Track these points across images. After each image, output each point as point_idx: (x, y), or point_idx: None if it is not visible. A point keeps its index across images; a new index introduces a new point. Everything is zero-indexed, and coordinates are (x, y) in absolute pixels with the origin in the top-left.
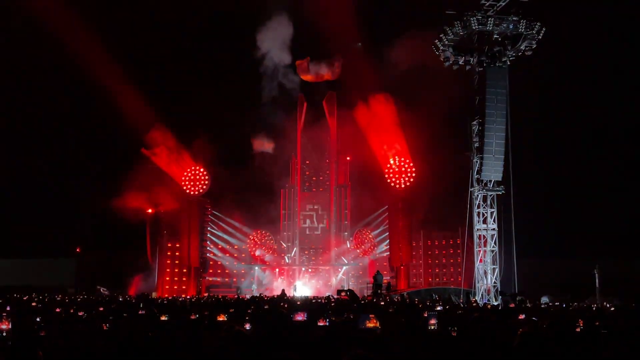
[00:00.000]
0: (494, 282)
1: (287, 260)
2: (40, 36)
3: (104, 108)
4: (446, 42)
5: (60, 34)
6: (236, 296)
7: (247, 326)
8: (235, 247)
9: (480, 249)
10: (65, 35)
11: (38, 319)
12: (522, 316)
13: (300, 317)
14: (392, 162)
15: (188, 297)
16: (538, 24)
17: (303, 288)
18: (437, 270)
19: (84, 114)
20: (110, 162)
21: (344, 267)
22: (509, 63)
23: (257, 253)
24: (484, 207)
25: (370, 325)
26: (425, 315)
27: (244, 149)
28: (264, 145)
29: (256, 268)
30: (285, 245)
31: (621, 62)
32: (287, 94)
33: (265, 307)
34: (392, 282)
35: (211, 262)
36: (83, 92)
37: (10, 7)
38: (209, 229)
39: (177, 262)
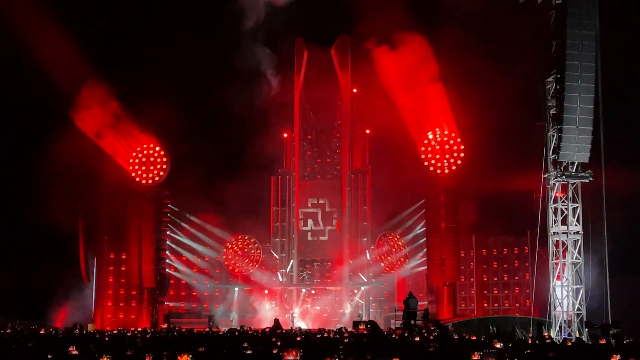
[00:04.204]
0: (578, 309)
1: (280, 278)
2: None
3: (16, 56)
4: None
5: None
6: (208, 329)
7: None
8: (206, 258)
9: (557, 261)
10: None
11: None
12: (617, 357)
13: (291, 356)
14: (430, 136)
15: (139, 329)
16: None
17: (304, 317)
18: (495, 292)
19: None
20: (26, 134)
21: (363, 288)
22: None
23: (238, 267)
24: (564, 201)
25: None
26: (478, 357)
27: (217, 117)
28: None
29: (236, 289)
30: (277, 257)
31: None
32: (278, 37)
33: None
34: (431, 309)
35: (172, 281)
36: None
37: None
38: (168, 233)
39: (123, 280)
